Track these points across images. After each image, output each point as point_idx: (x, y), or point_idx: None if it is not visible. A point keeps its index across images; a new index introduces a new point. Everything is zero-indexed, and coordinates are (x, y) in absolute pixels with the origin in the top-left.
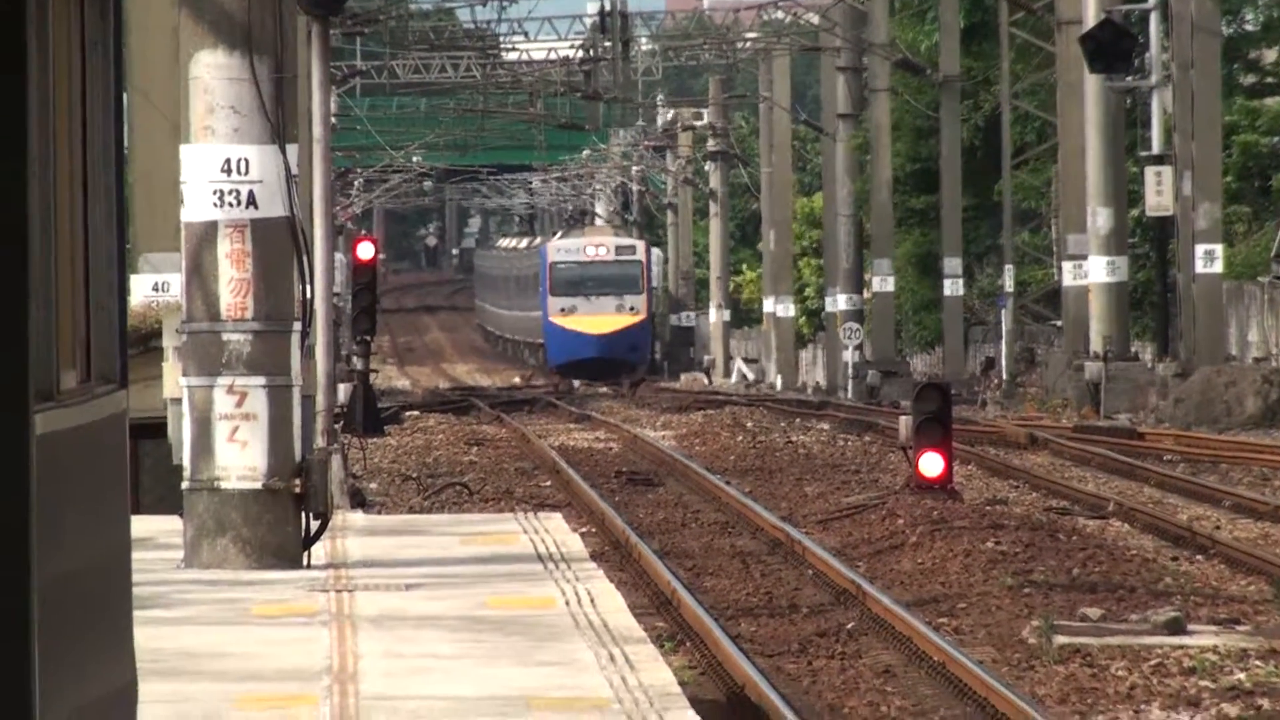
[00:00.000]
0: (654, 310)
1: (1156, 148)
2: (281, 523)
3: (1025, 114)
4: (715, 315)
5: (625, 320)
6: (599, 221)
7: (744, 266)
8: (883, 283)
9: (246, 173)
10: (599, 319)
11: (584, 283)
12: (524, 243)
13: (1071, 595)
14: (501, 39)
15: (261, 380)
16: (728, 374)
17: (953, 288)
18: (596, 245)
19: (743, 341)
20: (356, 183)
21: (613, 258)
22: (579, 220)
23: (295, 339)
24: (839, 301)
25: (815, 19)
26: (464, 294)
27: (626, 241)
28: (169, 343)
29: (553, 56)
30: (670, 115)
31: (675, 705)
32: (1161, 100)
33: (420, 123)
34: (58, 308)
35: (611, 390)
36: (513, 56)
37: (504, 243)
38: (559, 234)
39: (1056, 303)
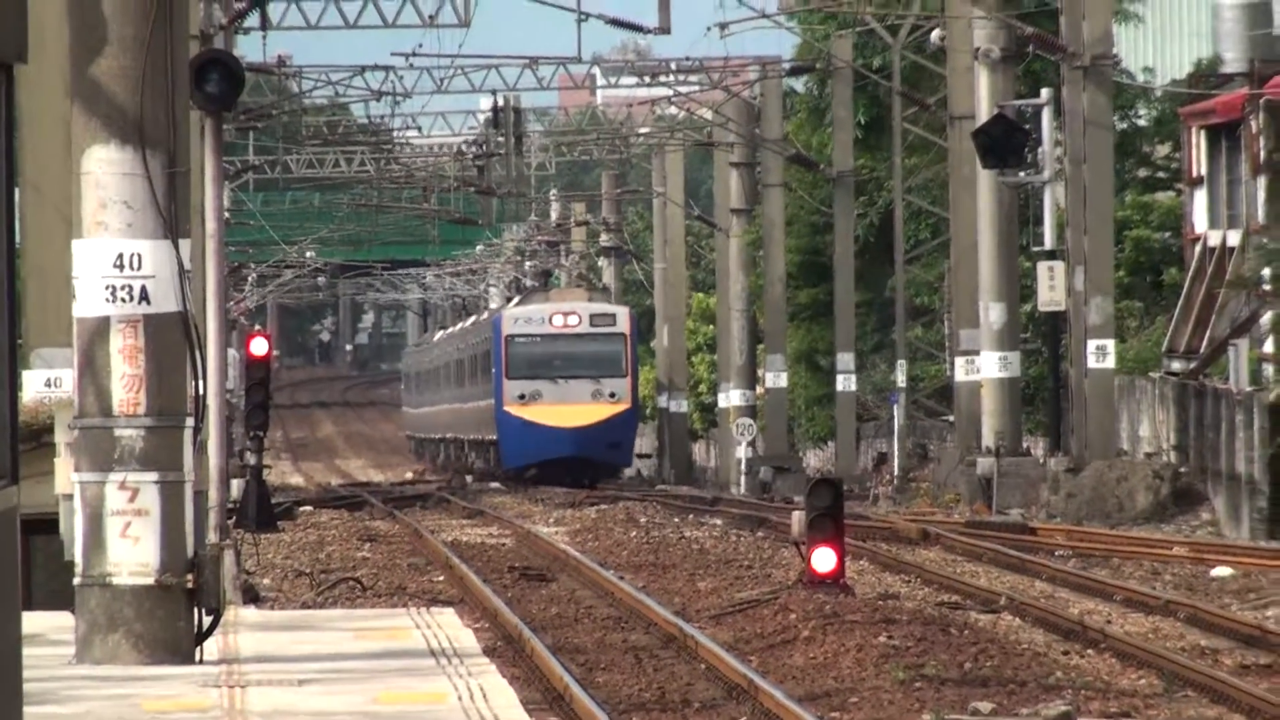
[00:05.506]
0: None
1: (1049, 243)
2: (174, 618)
3: (919, 209)
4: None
5: (604, 410)
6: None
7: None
8: (776, 378)
9: (139, 268)
10: (570, 409)
11: (550, 362)
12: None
13: (963, 689)
14: (395, 134)
15: (154, 476)
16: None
17: (845, 383)
18: (566, 314)
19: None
20: (250, 278)
21: (587, 329)
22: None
23: (188, 434)
24: (732, 397)
25: (708, 114)
26: (357, 389)
27: (605, 308)
28: (61, 438)
29: (446, 151)
30: (558, 210)
31: None
32: (1054, 195)
33: (314, 217)
34: None
35: (504, 486)
36: (407, 151)
37: (440, 336)
38: (515, 300)
39: (949, 398)
